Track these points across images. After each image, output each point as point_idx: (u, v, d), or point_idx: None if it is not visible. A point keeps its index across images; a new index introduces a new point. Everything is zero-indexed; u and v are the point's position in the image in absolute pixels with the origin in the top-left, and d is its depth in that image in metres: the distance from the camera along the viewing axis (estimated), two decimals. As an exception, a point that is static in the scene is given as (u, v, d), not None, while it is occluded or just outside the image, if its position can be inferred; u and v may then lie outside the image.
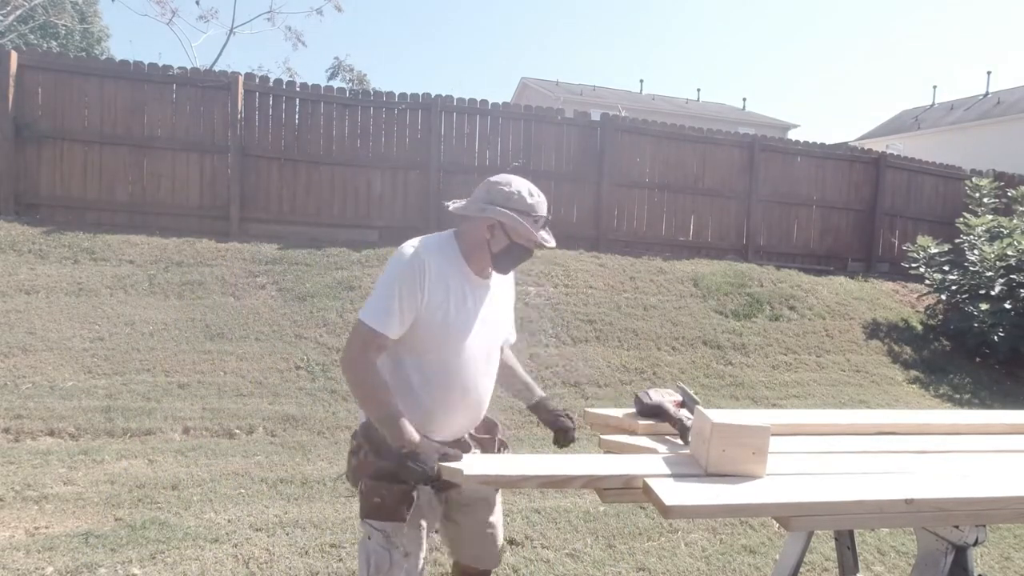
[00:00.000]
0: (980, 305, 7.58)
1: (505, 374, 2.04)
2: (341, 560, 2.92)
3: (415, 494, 1.70)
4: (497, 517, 1.98)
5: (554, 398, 5.46)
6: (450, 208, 1.80)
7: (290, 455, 4.23)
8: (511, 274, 1.95)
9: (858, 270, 9.85)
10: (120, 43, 38.42)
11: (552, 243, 1.78)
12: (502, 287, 1.92)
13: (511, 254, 1.78)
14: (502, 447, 1.98)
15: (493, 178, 1.78)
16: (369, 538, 1.74)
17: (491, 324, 1.84)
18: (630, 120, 9.42)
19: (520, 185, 1.76)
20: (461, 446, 1.81)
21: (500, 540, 1.99)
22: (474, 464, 1.59)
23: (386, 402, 1.63)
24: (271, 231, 7.54)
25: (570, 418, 2.00)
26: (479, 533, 1.95)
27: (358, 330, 1.68)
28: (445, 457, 1.57)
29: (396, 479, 1.65)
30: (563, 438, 1.98)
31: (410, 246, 1.72)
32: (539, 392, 2.06)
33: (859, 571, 2.23)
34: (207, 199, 7.49)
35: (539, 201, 1.77)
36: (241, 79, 7.55)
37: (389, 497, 1.68)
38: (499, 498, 2.02)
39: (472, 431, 1.92)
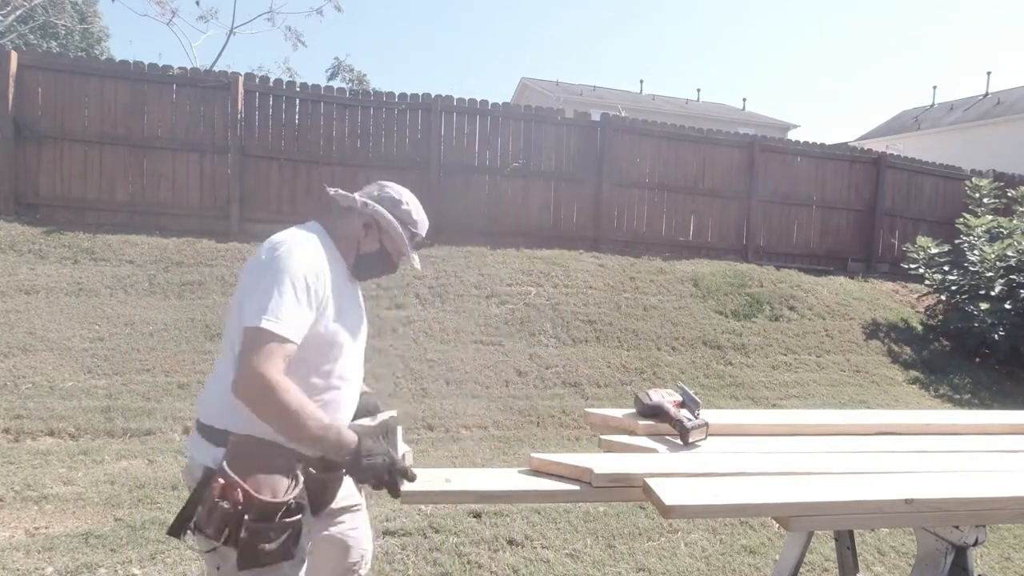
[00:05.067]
0: (980, 305, 7.58)
1: None
2: (341, 560, 2.92)
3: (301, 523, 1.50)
4: (363, 519, 1.85)
5: (554, 398, 5.47)
6: (331, 192, 1.70)
7: (290, 455, 4.21)
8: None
9: (858, 270, 9.85)
10: (120, 43, 38.43)
11: (418, 267, 1.73)
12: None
13: (376, 261, 1.70)
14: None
15: (386, 182, 1.74)
16: None
17: (364, 329, 1.76)
18: (630, 120, 9.42)
19: (411, 198, 1.73)
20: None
21: (369, 543, 1.86)
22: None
23: (319, 416, 1.43)
24: (271, 231, 7.37)
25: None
26: (353, 539, 1.81)
27: (259, 340, 1.40)
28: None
29: (287, 514, 1.45)
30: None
31: (297, 237, 1.59)
32: None
33: (859, 571, 2.23)
34: (207, 199, 7.49)
35: (422, 220, 1.74)
36: (241, 79, 7.55)
37: (278, 535, 1.44)
38: (363, 499, 1.88)
39: None
